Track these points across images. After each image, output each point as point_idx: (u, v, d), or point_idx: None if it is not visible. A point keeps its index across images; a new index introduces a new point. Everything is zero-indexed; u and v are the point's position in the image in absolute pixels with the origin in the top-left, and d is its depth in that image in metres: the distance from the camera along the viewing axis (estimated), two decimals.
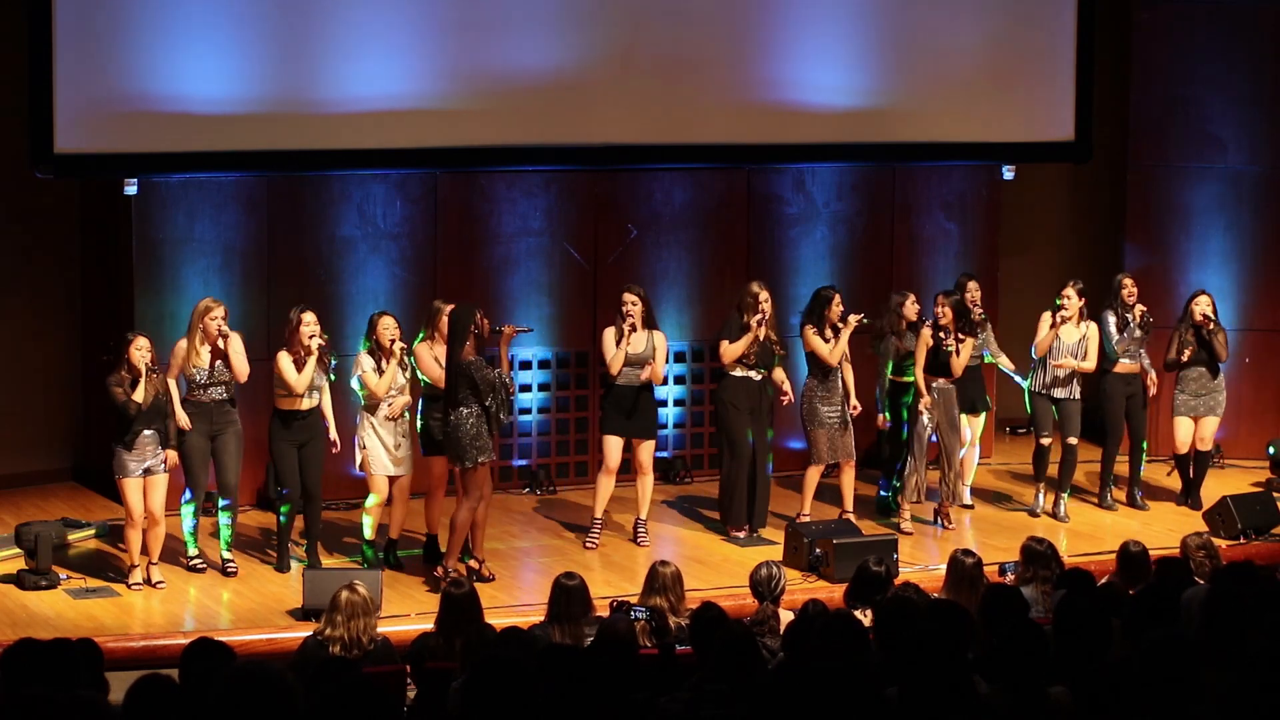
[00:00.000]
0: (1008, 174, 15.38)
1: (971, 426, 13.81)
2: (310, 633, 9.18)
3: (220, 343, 11.93)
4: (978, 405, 13.89)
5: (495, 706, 5.63)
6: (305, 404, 12.05)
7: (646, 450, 12.82)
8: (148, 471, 11.67)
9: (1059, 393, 13.64)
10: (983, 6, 15.02)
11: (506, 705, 5.62)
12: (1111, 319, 13.81)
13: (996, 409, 14.74)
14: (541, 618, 9.36)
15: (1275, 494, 14.01)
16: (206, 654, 6.66)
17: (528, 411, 14.44)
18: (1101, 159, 15.75)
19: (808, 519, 13.05)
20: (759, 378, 12.93)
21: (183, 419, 11.87)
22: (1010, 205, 15.82)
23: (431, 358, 12.03)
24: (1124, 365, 13.85)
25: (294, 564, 12.15)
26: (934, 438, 13.14)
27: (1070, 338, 13.59)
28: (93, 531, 12.88)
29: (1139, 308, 13.74)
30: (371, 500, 12.20)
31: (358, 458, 12.22)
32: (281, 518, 12.16)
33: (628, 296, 12.73)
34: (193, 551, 12.13)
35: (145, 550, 11.76)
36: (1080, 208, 16.79)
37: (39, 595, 11.59)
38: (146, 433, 11.64)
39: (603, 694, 6.02)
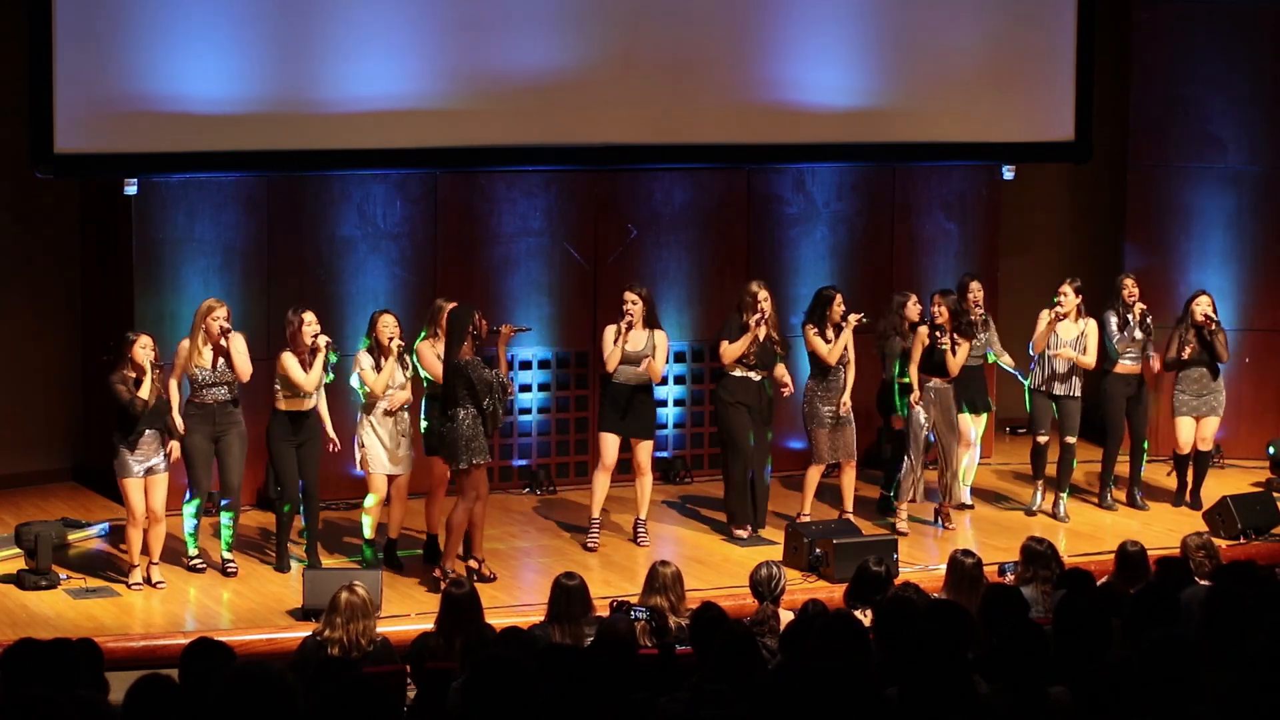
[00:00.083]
0: (1008, 174, 15.38)
1: (974, 426, 13.83)
2: (309, 633, 9.18)
3: (223, 342, 11.93)
4: (979, 405, 13.90)
5: (495, 706, 5.63)
6: (306, 404, 12.06)
7: (645, 450, 12.82)
8: (149, 471, 11.68)
9: (1058, 389, 13.64)
10: (983, 6, 15.02)
11: (506, 705, 5.62)
12: (1113, 319, 13.82)
13: (997, 409, 14.73)
14: (541, 618, 9.36)
15: (1275, 494, 14.01)
16: (206, 654, 6.66)
17: (528, 411, 14.44)
18: (1101, 159, 15.75)
19: (808, 519, 13.06)
20: (759, 378, 12.94)
21: (178, 422, 11.86)
22: (1010, 205, 15.83)
23: (434, 356, 12.03)
24: (1125, 366, 13.85)
25: (294, 564, 12.15)
26: (931, 437, 13.14)
27: (1068, 334, 13.60)
28: (95, 531, 12.87)
29: (1139, 306, 13.74)
30: (370, 500, 12.20)
31: (357, 456, 12.22)
32: (282, 518, 12.16)
33: (628, 295, 12.74)
34: (193, 551, 12.13)
35: (146, 550, 11.76)
36: (1080, 208, 16.79)
37: (39, 595, 11.59)
38: (149, 432, 11.65)
39: (603, 694, 6.01)
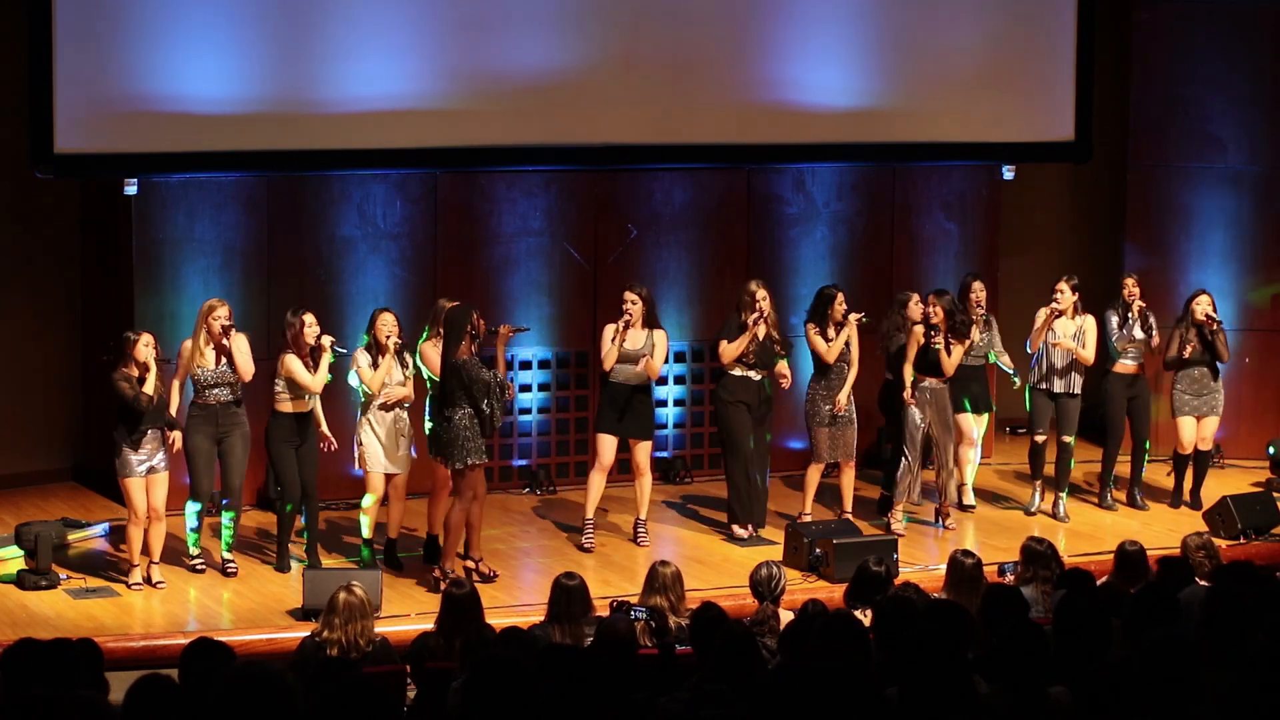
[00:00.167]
0: (1008, 174, 15.38)
1: (976, 426, 13.83)
2: (308, 634, 9.18)
3: (225, 341, 11.92)
4: (981, 405, 13.90)
5: (495, 706, 5.63)
6: (308, 405, 12.06)
7: (643, 451, 12.81)
8: (151, 470, 11.68)
9: (1057, 386, 13.64)
10: (983, 7, 15.02)
11: (506, 705, 5.62)
12: (1113, 317, 13.83)
13: (997, 409, 14.72)
14: (541, 618, 9.36)
15: (1275, 494, 14.01)
16: (206, 654, 6.66)
17: (528, 411, 14.44)
18: (1101, 159, 15.75)
19: (809, 519, 13.06)
20: (758, 377, 12.94)
21: (173, 411, 11.87)
22: (1010, 205, 15.83)
23: (438, 356, 12.02)
24: (1125, 365, 13.86)
25: (294, 564, 12.15)
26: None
27: (1065, 331, 13.60)
28: (95, 531, 12.87)
29: (1138, 305, 13.74)
30: (368, 500, 12.20)
31: (355, 455, 12.22)
32: (283, 518, 12.16)
33: (628, 295, 12.74)
34: (194, 551, 12.12)
35: (146, 550, 11.76)
36: (1080, 208, 16.80)
37: (39, 595, 11.59)
38: (150, 431, 11.65)
39: (603, 694, 6.01)
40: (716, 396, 13.20)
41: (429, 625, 9.39)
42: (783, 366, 13.05)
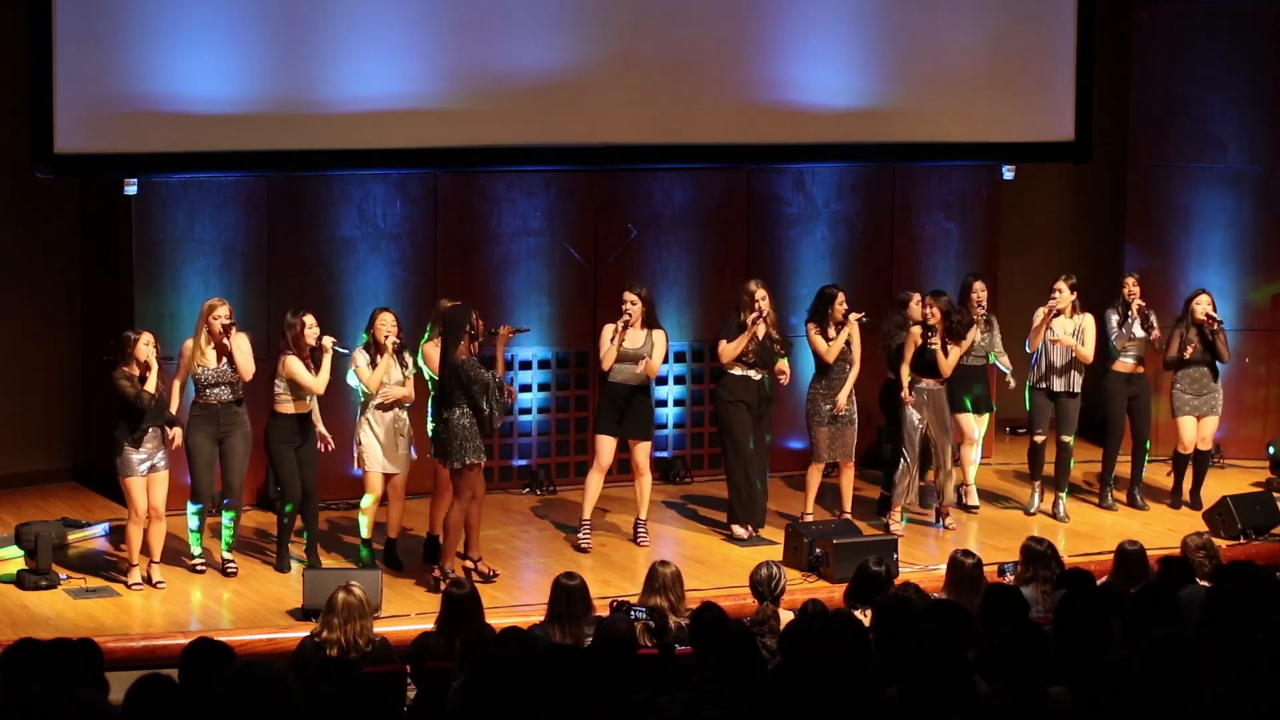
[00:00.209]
0: (1008, 174, 15.38)
1: (977, 426, 13.83)
2: (307, 634, 9.18)
3: (225, 341, 11.91)
4: (982, 405, 13.90)
5: (495, 706, 5.63)
6: (308, 406, 12.06)
7: (642, 451, 12.81)
8: (151, 469, 11.68)
9: (1057, 385, 13.64)
10: (983, 6, 15.02)
11: (506, 705, 5.62)
12: (1113, 316, 13.84)
13: (997, 409, 14.72)
14: (541, 618, 9.36)
15: (1275, 494, 14.01)
16: (206, 654, 6.66)
17: (527, 411, 14.44)
18: (1101, 159, 15.75)
19: (810, 518, 13.07)
20: (759, 376, 12.94)
21: (174, 408, 11.88)
22: (1010, 205, 15.83)
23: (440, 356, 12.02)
24: (1125, 364, 13.86)
25: (294, 564, 12.15)
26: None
27: (1063, 330, 13.60)
28: (95, 531, 12.87)
29: (1137, 304, 13.74)
30: (367, 500, 12.19)
31: (354, 455, 12.22)
32: (283, 518, 12.16)
33: (628, 295, 12.74)
34: (196, 551, 12.12)
35: (146, 550, 11.76)
36: (1080, 208, 16.80)
37: (39, 595, 11.59)
38: (151, 429, 11.65)
39: (603, 694, 6.01)
40: (716, 396, 13.20)
41: (429, 625, 9.39)
42: (782, 363, 13.05)
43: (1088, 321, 13.65)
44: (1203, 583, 9.35)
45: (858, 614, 8.70)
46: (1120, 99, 15.81)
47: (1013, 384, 14.05)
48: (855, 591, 9.64)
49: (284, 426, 12.04)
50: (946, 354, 13.09)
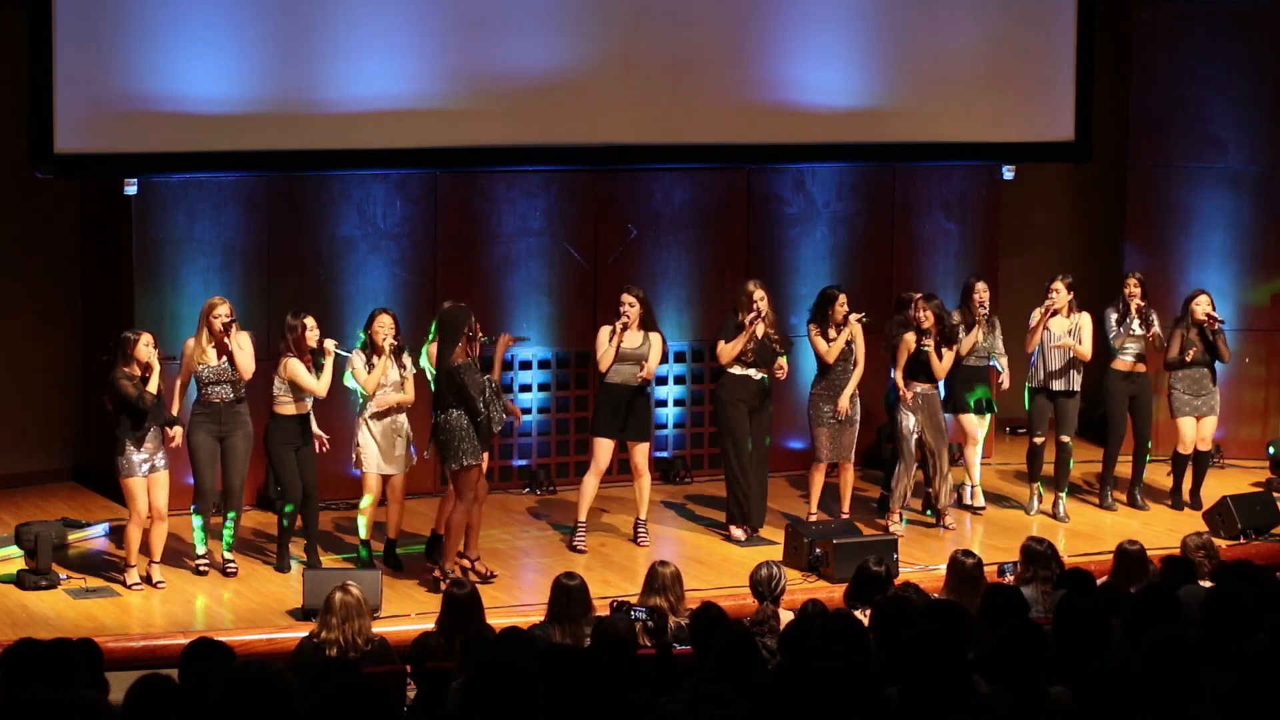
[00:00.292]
0: (1008, 174, 15.38)
1: (979, 427, 13.82)
2: (305, 634, 9.18)
3: (226, 340, 11.91)
4: (984, 406, 13.89)
5: (495, 706, 5.62)
6: (307, 407, 12.06)
7: (641, 452, 12.80)
8: (151, 469, 11.68)
9: (1056, 385, 13.64)
10: (983, 6, 15.02)
11: (506, 705, 5.62)
12: (1112, 315, 13.84)
13: (998, 409, 14.71)
14: (541, 618, 9.36)
15: (1275, 494, 14.01)
16: (206, 654, 6.66)
17: (528, 411, 14.43)
18: (1101, 159, 15.75)
19: (815, 518, 13.07)
20: (759, 376, 12.93)
21: (174, 410, 11.88)
22: (1010, 205, 15.82)
23: None
24: (1124, 362, 13.86)
25: (294, 564, 12.15)
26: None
27: (1060, 330, 13.60)
28: (95, 531, 12.86)
29: (1136, 303, 13.74)
30: (365, 500, 12.19)
31: (353, 456, 12.22)
32: (283, 519, 12.16)
33: (625, 297, 12.72)
34: (201, 552, 12.09)
35: (146, 550, 11.76)
36: (1080, 208, 16.79)
37: (39, 595, 11.59)
38: (152, 429, 11.65)
39: (602, 694, 6.01)
40: (716, 396, 13.20)
41: (429, 625, 9.39)
42: (781, 361, 13.04)
43: (1084, 320, 13.65)
44: (1203, 583, 9.34)
45: (858, 614, 8.70)
46: (1120, 99, 15.81)
47: (1006, 385, 14.00)
48: (855, 591, 9.64)
49: (284, 427, 12.04)
50: (940, 357, 13.10)
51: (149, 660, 9.63)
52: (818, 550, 12.09)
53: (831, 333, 13.09)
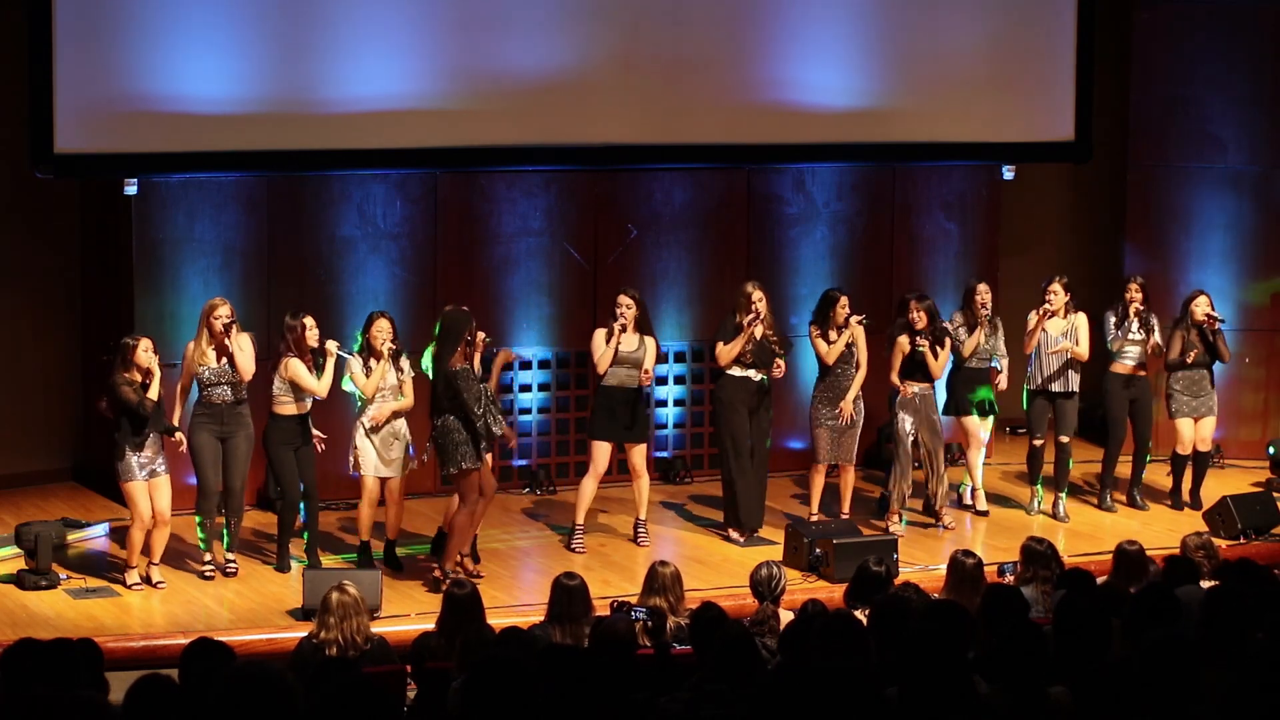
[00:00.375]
0: (1008, 174, 15.38)
1: (982, 428, 13.81)
2: (304, 634, 9.17)
3: (226, 341, 11.90)
4: (987, 408, 13.88)
5: (495, 706, 5.62)
6: (307, 408, 12.06)
7: (639, 454, 12.80)
8: (151, 473, 11.67)
9: (1055, 386, 13.64)
10: (983, 6, 15.02)
11: (506, 705, 5.62)
12: (1111, 317, 13.84)
13: (998, 410, 14.70)
14: (541, 618, 9.36)
15: (1275, 494, 14.01)
16: (206, 654, 6.67)
17: (528, 411, 14.44)
18: (1101, 159, 15.75)
19: (817, 519, 13.07)
20: (758, 377, 12.93)
21: (175, 418, 11.88)
22: (1010, 205, 15.82)
23: None
24: (1124, 365, 13.85)
25: (294, 564, 12.15)
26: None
27: (1057, 331, 13.60)
28: (95, 532, 12.86)
29: (1135, 306, 13.73)
30: (364, 502, 12.18)
31: (350, 460, 12.21)
32: (283, 519, 12.15)
33: (622, 299, 12.71)
34: (207, 558, 12.04)
35: (147, 551, 11.75)
36: (1080, 208, 16.79)
37: (39, 595, 11.59)
38: (151, 435, 11.64)
39: (602, 694, 6.01)
40: (715, 397, 13.19)
41: (429, 625, 9.39)
42: (778, 359, 13.02)
43: (1080, 320, 13.65)
44: (1204, 583, 9.34)
45: (857, 614, 8.70)
46: (1120, 99, 15.81)
47: (1003, 386, 13.97)
48: (855, 591, 9.63)
49: (283, 428, 12.03)
50: (936, 356, 13.10)
51: (149, 660, 9.63)
52: (818, 550, 12.09)
53: (832, 335, 13.09)
